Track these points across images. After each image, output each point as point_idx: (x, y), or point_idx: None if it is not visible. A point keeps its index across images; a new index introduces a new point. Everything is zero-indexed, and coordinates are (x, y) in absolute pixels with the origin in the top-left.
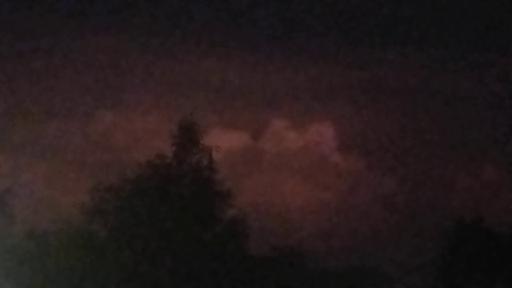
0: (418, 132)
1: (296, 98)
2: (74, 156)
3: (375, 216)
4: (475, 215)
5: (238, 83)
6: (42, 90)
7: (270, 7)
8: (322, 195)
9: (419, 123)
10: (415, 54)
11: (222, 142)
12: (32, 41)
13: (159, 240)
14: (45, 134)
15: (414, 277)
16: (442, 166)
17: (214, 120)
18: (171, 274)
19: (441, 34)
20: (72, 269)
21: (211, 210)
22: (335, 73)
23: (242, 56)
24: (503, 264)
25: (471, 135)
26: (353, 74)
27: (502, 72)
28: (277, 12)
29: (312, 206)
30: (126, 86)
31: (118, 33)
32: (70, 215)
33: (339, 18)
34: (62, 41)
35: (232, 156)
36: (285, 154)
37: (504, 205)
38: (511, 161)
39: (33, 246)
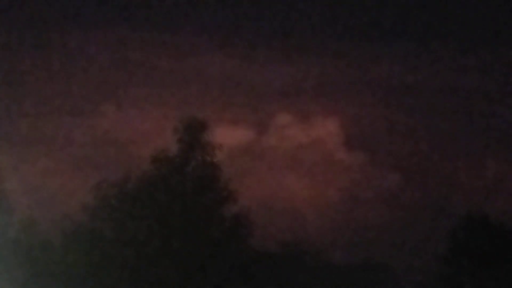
0: (423, 128)
1: (301, 94)
2: (78, 151)
3: (380, 212)
4: (480, 211)
5: (242, 79)
6: (45, 86)
7: (274, 3)
8: (326, 191)
9: (424, 119)
10: (420, 51)
11: (227, 138)
12: (36, 36)
13: (163, 237)
14: (48, 129)
15: (419, 272)
16: (447, 162)
17: (219, 116)
18: (175, 270)
19: (445, 30)
20: (75, 265)
21: (215, 207)
22: (340, 69)
23: (247, 52)
24: (509, 260)
25: (476, 131)
26: (358, 70)
27: (506, 66)
28: (282, 8)
29: (317, 201)
30: (130, 82)
31: (122, 28)
32: (73, 211)
33: (345, 14)
34: (66, 36)
35: (236, 152)
36: (290, 150)
37: (509, 201)
38: None
39: (34, 242)
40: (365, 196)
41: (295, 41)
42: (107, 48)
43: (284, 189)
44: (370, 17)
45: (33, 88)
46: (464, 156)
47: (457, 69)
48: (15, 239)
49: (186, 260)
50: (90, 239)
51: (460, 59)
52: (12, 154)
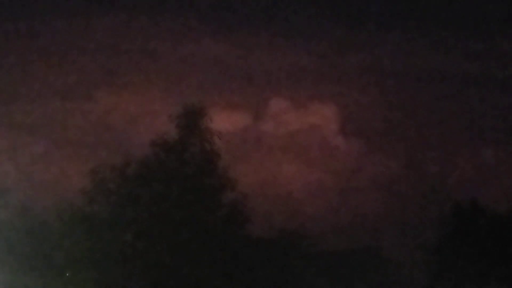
0: (419, 115)
1: (297, 80)
2: (75, 135)
3: (376, 198)
4: (473, 198)
5: (238, 64)
6: (43, 70)
7: None
8: (323, 177)
9: (419, 106)
10: (416, 37)
11: (222, 123)
12: (33, 22)
13: (160, 222)
14: (46, 114)
15: (413, 258)
16: (442, 149)
17: (214, 101)
18: (172, 254)
19: (442, 16)
20: (72, 250)
21: (213, 193)
22: (337, 55)
23: (243, 37)
24: (500, 245)
25: (470, 118)
26: (355, 55)
27: (502, 55)
28: None
29: (314, 188)
30: (128, 67)
31: (120, 13)
32: (70, 195)
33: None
34: (65, 21)
35: (232, 137)
36: (286, 136)
37: (500, 187)
38: (508, 144)
39: (32, 227)
40: (361, 183)
41: (292, 26)
42: (103, 34)
43: (280, 175)
44: (366, 2)
45: (31, 74)
46: (459, 143)
47: (452, 56)
48: (12, 223)
49: (183, 245)
50: (88, 224)
51: (455, 46)
52: (9, 138)
